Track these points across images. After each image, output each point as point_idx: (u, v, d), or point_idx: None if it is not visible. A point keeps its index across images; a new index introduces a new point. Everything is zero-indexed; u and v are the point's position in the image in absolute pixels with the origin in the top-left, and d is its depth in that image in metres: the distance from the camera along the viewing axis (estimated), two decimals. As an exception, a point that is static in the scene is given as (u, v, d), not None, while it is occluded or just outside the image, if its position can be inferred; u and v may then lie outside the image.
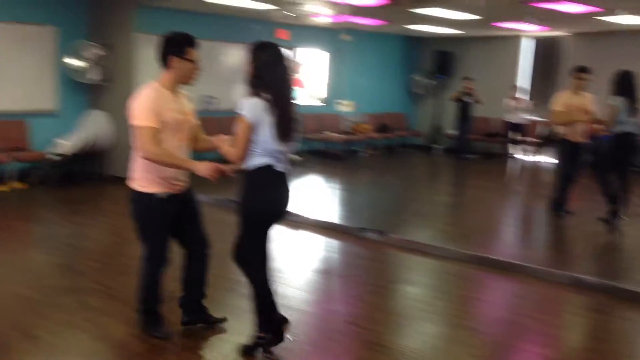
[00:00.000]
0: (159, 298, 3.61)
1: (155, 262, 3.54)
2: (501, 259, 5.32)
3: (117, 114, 8.77)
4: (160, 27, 9.24)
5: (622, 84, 6.36)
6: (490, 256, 5.37)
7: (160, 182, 3.39)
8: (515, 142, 11.91)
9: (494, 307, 4.48)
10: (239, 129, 3.10)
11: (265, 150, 3.13)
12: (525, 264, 5.16)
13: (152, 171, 3.36)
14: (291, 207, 3.36)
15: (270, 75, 3.10)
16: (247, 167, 3.19)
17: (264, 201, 3.22)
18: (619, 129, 6.35)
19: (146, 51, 9.15)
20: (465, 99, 11.79)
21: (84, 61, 8.60)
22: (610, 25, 9.66)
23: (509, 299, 4.67)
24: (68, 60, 8.52)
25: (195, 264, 3.67)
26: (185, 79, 3.41)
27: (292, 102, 3.18)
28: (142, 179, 3.41)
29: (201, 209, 3.68)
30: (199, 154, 3.63)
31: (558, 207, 6.90)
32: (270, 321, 3.38)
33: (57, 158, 8.14)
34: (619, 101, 6.29)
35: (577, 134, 6.66)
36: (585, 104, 6.61)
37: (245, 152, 3.14)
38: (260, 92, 3.10)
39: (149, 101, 3.29)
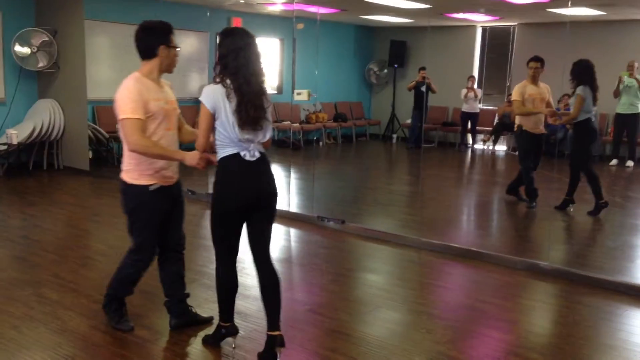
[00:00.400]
0: (132, 291, 3.59)
1: (142, 256, 3.49)
2: (460, 246, 5.44)
3: (66, 102, 8.56)
4: (109, 14, 9.17)
5: (584, 73, 6.49)
6: (449, 244, 5.49)
7: (151, 175, 3.35)
8: (471, 132, 12.15)
9: (453, 293, 4.58)
10: (200, 116, 3.08)
11: (230, 139, 3.09)
12: (484, 251, 5.29)
13: (143, 163, 3.32)
14: (268, 195, 3.25)
15: (233, 62, 3.06)
16: (217, 157, 3.17)
17: (226, 192, 3.16)
18: (582, 117, 6.50)
19: (95, 38, 8.98)
20: (422, 88, 11.95)
21: (31, 48, 8.34)
22: (557, 17, 9.92)
23: (468, 286, 4.79)
24: (15, 47, 8.24)
25: (174, 264, 3.63)
26: (169, 67, 3.40)
27: (258, 89, 3.12)
28: (133, 170, 3.35)
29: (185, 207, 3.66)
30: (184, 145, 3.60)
31: (531, 199, 6.99)
32: (231, 311, 3.38)
33: (6, 148, 7.89)
34: (585, 91, 6.45)
35: (535, 124, 6.82)
36: (542, 94, 6.77)
37: (206, 138, 3.12)
38: (224, 79, 3.07)
39: (133, 92, 3.23)
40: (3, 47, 8.29)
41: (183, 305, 3.67)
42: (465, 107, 11.87)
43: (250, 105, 3.06)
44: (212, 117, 3.06)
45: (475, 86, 11.89)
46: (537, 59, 6.81)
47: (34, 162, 8.44)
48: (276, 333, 3.22)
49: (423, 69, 12.05)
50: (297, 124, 11.99)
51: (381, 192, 8.51)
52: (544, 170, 7.08)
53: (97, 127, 8.98)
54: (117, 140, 9.09)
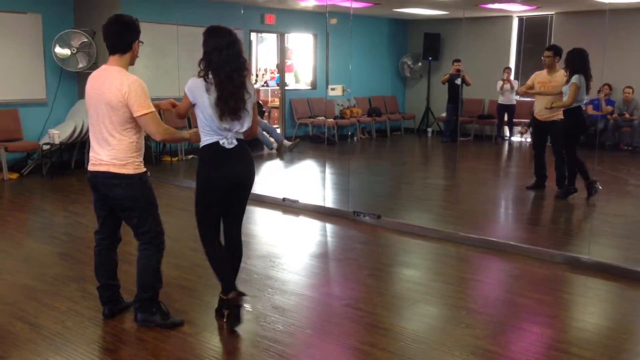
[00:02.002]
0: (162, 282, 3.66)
1: (162, 239, 3.60)
2: (497, 240, 5.38)
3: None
4: (145, 14, 9.31)
5: (578, 62, 6.55)
6: (486, 237, 5.43)
7: (142, 163, 3.52)
8: (508, 124, 11.96)
9: (492, 288, 4.54)
10: (182, 101, 3.52)
11: (210, 127, 3.40)
12: (522, 245, 5.22)
13: (140, 153, 3.49)
14: (245, 181, 3.57)
15: (217, 59, 3.35)
16: (201, 144, 3.50)
17: (206, 177, 3.49)
18: (573, 105, 6.61)
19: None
20: (456, 81, 11.81)
21: (70, 49, 8.54)
22: (596, 5, 9.69)
23: (507, 280, 4.73)
24: (55, 48, 8.45)
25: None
26: (134, 61, 3.54)
27: (239, 83, 3.38)
28: (133, 162, 3.44)
29: None
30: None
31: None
32: (231, 280, 3.63)
33: (49, 147, 8.10)
34: (580, 79, 6.50)
35: (539, 110, 7.12)
36: (555, 82, 6.91)
37: (185, 110, 3.53)
38: (207, 74, 3.38)
39: (144, 87, 3.38)
40: (44, 49, 8.51)
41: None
42: (501, 99, 11.69)
43: (231, 97, 3.36)
44: (191, 104, 3.46)
45: (512, 77, 11.69)
46: (549, 48, 7.11)
47: (76, 160, 8.65)
48: (232, 295, 3.53)
49: (457, 61, 11.91)
50: (332, 119, 11.99)
51: (417, 186, 8.46)
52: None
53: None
54: (155, 138, 9.24)
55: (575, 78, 6.50)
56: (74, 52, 8.55)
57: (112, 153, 3.39)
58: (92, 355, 3.28)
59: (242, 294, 3.58)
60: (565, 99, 6.65)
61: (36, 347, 3.35)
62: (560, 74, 6.91)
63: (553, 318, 3.92)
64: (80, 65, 8.61)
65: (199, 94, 3.39)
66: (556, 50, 7.00)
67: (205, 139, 3.46)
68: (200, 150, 3.51)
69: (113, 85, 3.32)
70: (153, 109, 3.38)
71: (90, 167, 3.51)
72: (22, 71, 8.39)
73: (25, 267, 4.64)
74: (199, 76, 3.41)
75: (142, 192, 3.48)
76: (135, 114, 3.33)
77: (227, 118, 3.37)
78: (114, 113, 3.34)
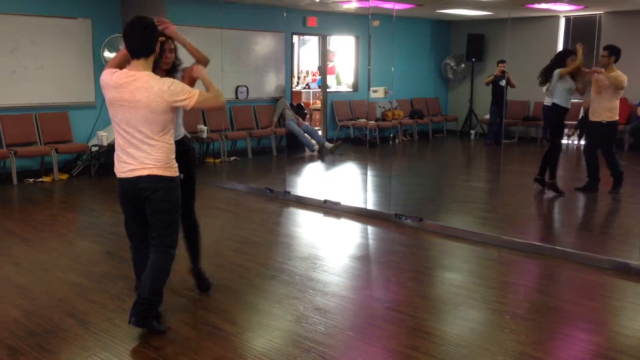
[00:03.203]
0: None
1: (176, 248, 3.59)
2: (542, 244, 5.28)
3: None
4: (190, 18, 9.48)
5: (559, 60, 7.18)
6: (531, 242, 5.34)
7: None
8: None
9: (537, 293, 4.45)
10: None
11: (179, 124, 3.80)
12: (568, 250, 5.11)
13: (173, 154, 3.48)
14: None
15: None
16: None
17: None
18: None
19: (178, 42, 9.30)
20: (500, 82, 11.63)
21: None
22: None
23: (552, 285, 4.63)
24: (104, 52, 8.67)
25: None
26: (158, 62, 3.57)
27: None
28: (173, 164, 3.46)
29: None
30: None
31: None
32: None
33: (97, 149, 8.32)
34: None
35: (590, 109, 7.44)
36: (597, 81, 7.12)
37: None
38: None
39: (174, 80, 3.42)
40: (93, 53, 8.74)
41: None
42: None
43: None
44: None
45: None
46: (605, 48, 7.13)
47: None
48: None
49: (502, 62, 11.73)
50: (373, 122, 11.96)
51: (459, 189, 8.37)
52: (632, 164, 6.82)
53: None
54: (198, 140, 9.40)
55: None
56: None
57: (154, 156, 3.36)
58: (138, 352, 3.36)
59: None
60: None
61: (85, 343, 3.44)
62: (617, 74, 6.92)
63: (601, 325, 3.82)
64: (128, 69, 8.81)
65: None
66: (611, 50, 6.95)
67: (177, 134, 3.70)
68: (177, 146, 3.55)
69: (152, 92, 3.28)
70: (196, 89, 3.44)
71: (129, 174, 3.40)
72: (73, 75, 8.65)
73: (74, 265, 4.78)
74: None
75: (177, 195, 3.50)
76: (189, 106, 3.37)
77: None
78: (156, 118, 3.32)
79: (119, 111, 3.38)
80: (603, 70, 7.03)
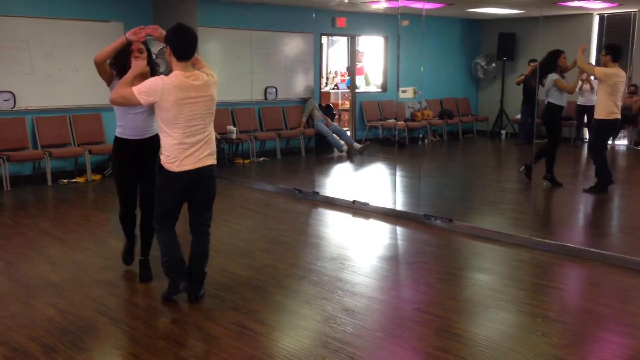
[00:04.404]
0: None
1: None
2: (575, 245, 5.19)
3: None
4: (220, 20, 9.56)
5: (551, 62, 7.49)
6: (563, 243, 5.25)
7: None
8: (588, 126, 11.49)
9: (570, 295, 4.38)
10: None
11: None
12: (602, 251, 5.01)
13: None
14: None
15: None
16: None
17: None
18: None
19: (207, 43, 9.40)
20: (532, 82, 11.46)
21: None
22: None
23: (585, 288, 4.56)
24: (136, 55, 8.80)
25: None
26: None
27: None
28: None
29: None
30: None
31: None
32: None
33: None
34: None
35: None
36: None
37: None
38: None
39: None
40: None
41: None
42: (580, 100, 11.23)
43: None
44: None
45: (592, 78, 11.23)
46: (603, 46, 7.48)
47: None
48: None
49: (533, 61, 11.54)
50: (402, 122, 11.91)
51: (490, 189, 8.27)
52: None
53: (210, 128, 9.39)
54: (228, 140, 9.48)
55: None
56: (154, 58, 8.86)
57: (211, 147, 3.82)
58: (169, 350, 3.39)
59: None
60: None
61: (117, 341, 3.50)
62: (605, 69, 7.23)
63: (636, 328, 3.74)
64: (161, 71, 8.91)
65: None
66: (608, 49, 7.24)
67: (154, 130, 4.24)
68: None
69: (211, 83, 3.76)
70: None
71: (198, 164, 3.76)
72: (105, 77, 8.79)
73: (106, 264, 4.86)
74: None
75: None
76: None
77: None
78: (213, 108, 3.80)
79: (187, 109, 3.67)
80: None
